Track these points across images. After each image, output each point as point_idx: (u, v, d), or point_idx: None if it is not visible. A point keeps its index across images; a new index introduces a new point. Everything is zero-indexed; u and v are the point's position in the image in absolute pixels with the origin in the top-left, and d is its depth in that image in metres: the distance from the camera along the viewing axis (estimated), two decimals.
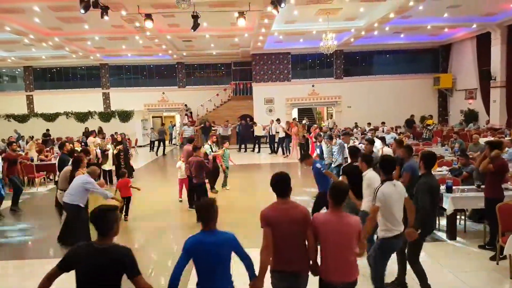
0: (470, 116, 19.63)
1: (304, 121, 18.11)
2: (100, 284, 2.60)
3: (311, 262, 3.29)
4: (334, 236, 3.17)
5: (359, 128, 17.84)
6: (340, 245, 3.17)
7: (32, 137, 17.75)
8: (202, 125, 20.42)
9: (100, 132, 16.86)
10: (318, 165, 6.59)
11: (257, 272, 3.11)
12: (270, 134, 18.65)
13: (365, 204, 4.93)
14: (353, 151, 6.17)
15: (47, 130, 19.57)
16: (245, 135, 19.86)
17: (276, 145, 18.23)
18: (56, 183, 12.02)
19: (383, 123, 17.91)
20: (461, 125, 19.13)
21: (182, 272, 2.87)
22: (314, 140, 13.15)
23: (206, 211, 3.04)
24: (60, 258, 2.69)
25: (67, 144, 9.54)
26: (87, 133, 17.50)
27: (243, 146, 19.64)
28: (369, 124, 18.18)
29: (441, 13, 15.99)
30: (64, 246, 6.50)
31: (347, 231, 3.19)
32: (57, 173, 8.41)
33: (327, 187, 4.08)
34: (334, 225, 3.19)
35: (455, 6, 14.73)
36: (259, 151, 19.01)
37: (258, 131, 19.29)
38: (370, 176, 4.93)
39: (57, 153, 14.13)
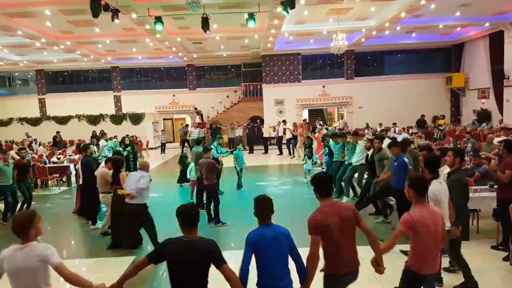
0: (483, 116, 19.32)
1: (317, 123, 17.98)
2: (192, 275, 2.82)
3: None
4: (429, 229, 3.23)
5: (370, 129, 17.68)
6: (435, 237, 3.27)
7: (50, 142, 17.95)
8: (209, 127, 20.45)
9: (103, 136, 16.98)
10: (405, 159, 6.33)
11: None
12: (278, 135, 18.70)
13: None
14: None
15: (57, 132, 19.73)
16: (252, 137, 19.83)
17: (287, 147, 18.17)
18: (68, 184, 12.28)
19: (394, 123, 17.72)
20: (474, 124, 18.83)
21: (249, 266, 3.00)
22: (321, 140, 13.03)
23: (264, 206, 3.15)
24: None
25: (91, 146, 9.30)
26: (95, 136, 17.60)
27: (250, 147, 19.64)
28: (380, 124, 18.02)
29: (453, 12, 15.78)
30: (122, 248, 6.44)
31: (438, 222, 3.30)
32: (80, 175, 8.18)
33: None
34: (428, 219, 3.25)
35: (467, 5, 14.53)
36: (266, 152, 19.03)
37: (266, 132, 19.23)
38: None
39: (69, 156, 14.33)
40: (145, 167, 6.35)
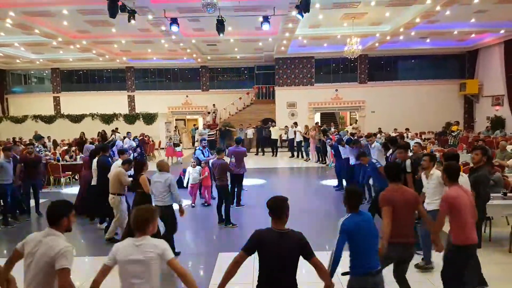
0: (497, 123, 19.10)
1: (332, 128, 17.98)
2: (284, 265, 2.96)
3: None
4: (467, 204, 3.91)
5: (383, 134, 17.56)
6: (471, 210, 3.96)
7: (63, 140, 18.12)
8: (218, 129, 20.49)
9: (104, 137, 17.16)
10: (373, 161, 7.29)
11: None
12: (288, 138, 18.78)
13: (434, 204, 5.08)
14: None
15: (82, 133, 19.60)
16: (260, 139, 19.89)
17: (298, 149, 18.22)
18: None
19: (407, 129, 17.60)
20: (488, 132, 18.61)
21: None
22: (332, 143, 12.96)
23: (354, 196, 3.46)
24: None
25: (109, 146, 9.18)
26: (103, 136, 17.74)
27: (260, 149, 19.68)
28: (395, 130, 17.82)
29: (468, 18, 15.68)
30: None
31: (471, 200, 4.04)
32: (94, 175, 8.06)
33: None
34: (465, 197, 3.93)
35: (483, 11, 14.42)
36: (274, 155, 19.08)
37: (274, 134, 19.31)
38: (439, 175, 5.09)
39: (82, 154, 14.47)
40: (164, 168, 6.29)
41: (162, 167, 6.24)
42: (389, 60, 23.06)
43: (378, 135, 17.05)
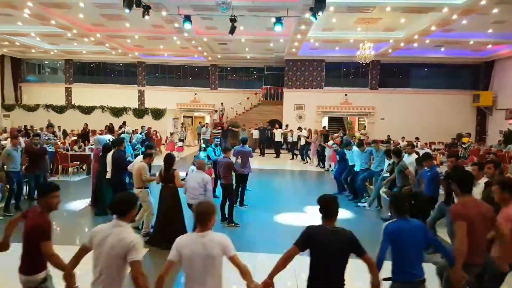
0: (510, 137, 18.76)
1: (340, 133, 17.96)
2: (335, 262, 3.03)
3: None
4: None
5: (391, 142, 17.42)
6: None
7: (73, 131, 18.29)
8: (220, 127, 20.45)
9: (111, 129, 17.26)
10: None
11: None
12: (292, 141, 18.90)
13: None
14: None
15: (86, 124, 19.93)
16: (263, 140, 19.89)
17: (300, 153, 18.34)
18: (88, 173, 12.43)
19: (417, 138, 17.41)
20: (500, 145, 18.30)
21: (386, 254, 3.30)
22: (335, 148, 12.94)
23: (401, 202, 3.45)
24: None
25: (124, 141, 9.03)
26: (110, 129, 17.87)
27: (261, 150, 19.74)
28: (403, 138, 17.64)
29: (485, 28, 15.46)
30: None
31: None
32: (108, 169, 7.94)
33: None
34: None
35: (501, 22, 14.21)
36: (277, 156, 19.12)
37: (278, 136, 19.34)
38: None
39: (91, 145, 14.58)
40: (203, 166, 6.40)
41: (201, 166, 6.39)
42: (401, 67, 22.85)
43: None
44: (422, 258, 3.36)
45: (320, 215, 3.18)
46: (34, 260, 3.25)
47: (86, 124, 18.46)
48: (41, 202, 3.35)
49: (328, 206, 3.15)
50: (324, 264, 3.02)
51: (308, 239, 3.07)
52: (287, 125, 19.66)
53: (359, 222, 8.30)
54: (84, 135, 17.67)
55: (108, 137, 10.50)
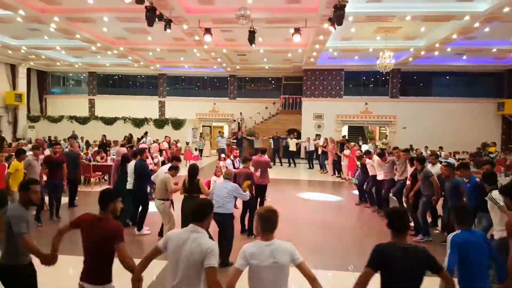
0: None
1: (360, 142, 17.86)
2: (410, 282, 2.81)
3: None
4: None
5: (414, 151, 17.14)
6: None
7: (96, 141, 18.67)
8: (235, 137, 20.47)
9: (130, 140, 17.46)
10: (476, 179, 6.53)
11: None
12: (308, 150, 18.79)
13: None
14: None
15: (103, 135, 20.30)
16: (277, 149, 19.84)
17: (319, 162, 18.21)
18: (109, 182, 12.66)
19: (440, 147, 17.09)
20: None
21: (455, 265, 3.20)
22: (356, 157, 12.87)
23: (466, 213, 3.41)
24: None
25: (147, 151, 9.21)
26: (129, 140, 18.14)
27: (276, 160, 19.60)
28: (426, 148, 17.30)
29: (508, 36, 15.16)
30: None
31: None
32: (129, 179, 8.04)
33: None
34: None
35: None
36: (290, 165, 19.07)
37: (292, 146, 19.29)
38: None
39: (113, 155, 14.85)
40: (230, 176, 6.46)
41: (228, 176, 6.46)
42: (422, 76, 22.55)
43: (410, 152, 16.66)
44: (487, 268, 3.26)
45: (389, 230, 2.97)
46: (105, 268, 3.24)
47: (104, 136, 18.84)
48: (108, 207, 3.32)
49: (397, 221, 2.92)
50: (398, 285, 2.81)
51: (379, 259, 2.85)
52: (308, 138, 19.43)
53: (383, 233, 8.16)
54: (102, 146, 17.74)
55: (123, 149, 10.55)
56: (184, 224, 6.43)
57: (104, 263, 3.21)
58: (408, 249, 2.84)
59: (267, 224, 2.96)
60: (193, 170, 6.55)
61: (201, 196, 6.42)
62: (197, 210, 3.10)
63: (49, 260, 3.42)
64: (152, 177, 7.60)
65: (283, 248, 2.91)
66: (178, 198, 7.02)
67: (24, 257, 3.53)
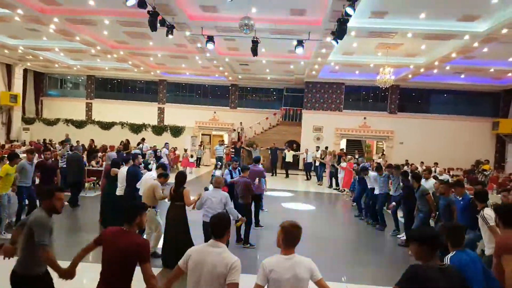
0: None
1: (356, 155, 17.94)
2: None
3: None
4: None
5: (409, 166, 17.16)
6: None
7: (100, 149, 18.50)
8: (233, 146, 20.45)
9: (126, 145, 17.31)
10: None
11: None
12: (306, 161, 18.96)
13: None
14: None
15: (91, 140, 19.57)
16: (274, 160, 19.93)
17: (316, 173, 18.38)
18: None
19: (435, 163, 17.14)
20: None
21: None
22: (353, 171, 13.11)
23: (459, 233, 3.39)
24: None
25: (139, 156, 9.14)
26: (125, 145, 17.96)
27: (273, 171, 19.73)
28: (422, 163, 17.36)
29: (506, 57, 15.36)
30: None
31: None
32: (119, 184, 7.96)
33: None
34: None
35: None
36: (286, 176, 19.10)
37: (289, 157, 19.38)
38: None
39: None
40: (220, 184, 6.34)
41: (218, 184, 6.34)
42: (421, 93, 22.78)
43: (405, 167, 16.71)
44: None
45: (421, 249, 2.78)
46: (124, 282, 3.15)
47: (92, 140, 18.66)
48: (135, 221, 3.26)
49: (429, 239, 2.73)
50: None
51: (413, 280, 2.64)
52: (306, 149, 19.57)
53: (378, 247, 8.11)
54: (89, 152, 16.20)
55: (114, 154, 10.37)
56: (167, 232, 6.36)
57: (124, 276, 3.13)
58: (443, 269, 2.69)
59: (290, 238, 2.95)
60: (181, 177, 6.43)
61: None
62: (218, 225, 3.06)
63: (68, 275, 3.33)
64: (137, 184, 7.42)
65: (303, 263, 2.91)
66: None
67: (41, 268, 3.43)
